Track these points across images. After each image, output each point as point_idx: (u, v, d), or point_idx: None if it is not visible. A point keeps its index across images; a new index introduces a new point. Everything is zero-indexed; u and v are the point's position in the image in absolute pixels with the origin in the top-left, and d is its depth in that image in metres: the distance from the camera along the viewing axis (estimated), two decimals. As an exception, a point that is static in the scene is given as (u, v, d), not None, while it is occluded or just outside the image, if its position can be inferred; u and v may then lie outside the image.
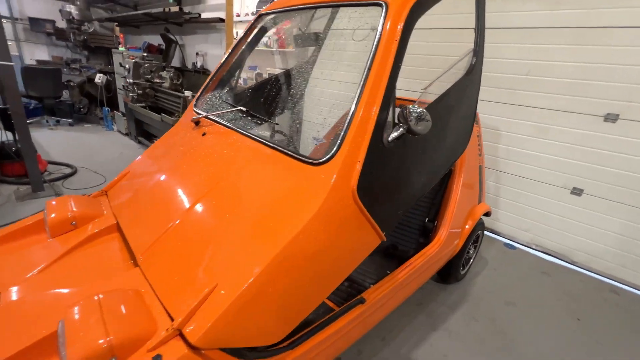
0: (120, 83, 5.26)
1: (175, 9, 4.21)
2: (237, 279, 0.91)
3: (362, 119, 1.05)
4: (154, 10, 4.47)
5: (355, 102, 1.07)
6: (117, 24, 6.39)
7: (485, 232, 3.37)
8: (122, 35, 4.90)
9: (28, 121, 5.57)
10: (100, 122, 6.10)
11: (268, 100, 1.61)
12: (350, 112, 1.06)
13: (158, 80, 4.62)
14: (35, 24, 5.95)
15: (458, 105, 1.47)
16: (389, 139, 1.13)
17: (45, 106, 5.46)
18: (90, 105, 6.15)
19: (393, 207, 1.22)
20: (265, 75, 4.79)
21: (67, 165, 3.88)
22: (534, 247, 3.11)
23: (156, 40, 5.57)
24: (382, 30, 1.13)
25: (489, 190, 3.30)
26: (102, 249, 1.27)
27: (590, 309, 2.33)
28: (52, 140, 4.93)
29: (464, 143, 1.65)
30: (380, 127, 1.09)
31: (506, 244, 3.18)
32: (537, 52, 2.78)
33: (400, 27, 1.14)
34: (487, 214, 2.43)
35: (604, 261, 2.75)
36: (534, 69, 2.81)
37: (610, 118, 2.53)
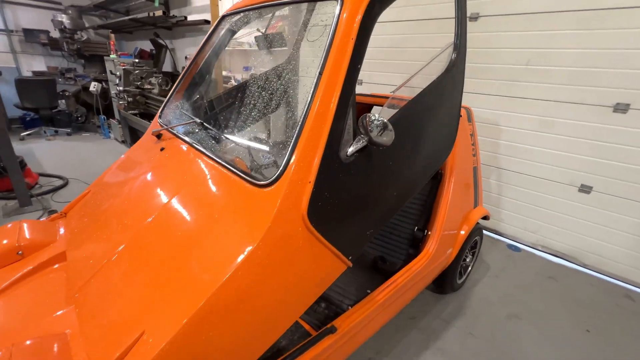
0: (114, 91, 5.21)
1: (159, 13, 4.12)
2: (166, 325, 0.79)
3: (312, 132, 0.91)
4: (140, 16, 4.39)
5: (304, 111, 0.93)
6: (111, 30, 6.35)
7: (488, 233, 3.18)
8: (112, 42, 4.86)
9: (27, 132, 5.63)
10: (98, 131, 6.09)
11: (233, 108, 1.49)
12: (299, 124, 0.92)
13: (148, 87, 4.55)
14: (29, 35, 5.96)
15: (437, 106, 1.31)
16: (348, 152, 0.98)
17: (41, 117, 5.47)
18: (87, 114, 6.15)
19: (358, 228, 1.08)
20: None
21: (58, 177, 3.85)
22: (540, 248, 2.91)
23: (148, 45, 5.50)
24: (335, 26, 0.98)
25: (489, 189, 3.10)
26: (46, 283, 1.17)
27: (601, 319, 2.13)
28: (47, 151, 4.93)
29: (447, 147, 1.49)
30: (336, 139, 0.94)
31: (510, 246, 2.99)
32: (537, 39, 2.56)
33: (357, 22, 0.98)
34: (486, 218, 2.26)
35: (617, 263, 2.53)
36: (535, 58, 2.60)
37: (620, 108, 2.30)
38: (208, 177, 1.11)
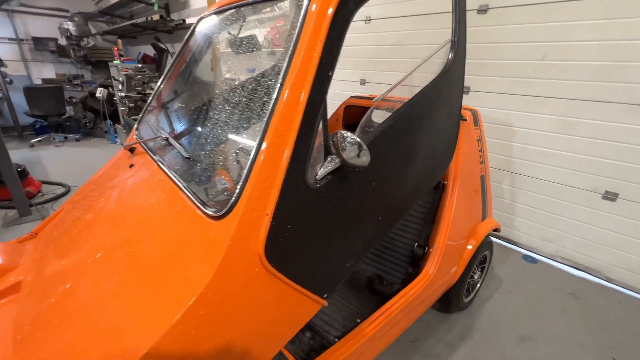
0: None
1: (156, 17, 4.07)
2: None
3: (270, 154, 0.76)
4: (139, 20, 4.36)
5: (262, 129, 0.78)
6: (117, 36, 6.40)
7: (501, 242, 2.95)
8: (116, 49, 4.86)
9: (37, 139, 5.73)
10: (105, 136, 6.15)
11: (198, 122, 1.34)
12: (255, 145, 0.78)
13: (150, 92, 4.51)
14: (38, 43, 6.07)
15: (432, 113, 1.14)
16: (317, 176, 0.83)
17: (50, 124, 5.55)
18: (95, 120, 6.22)
19: (334, 262, 0.93)
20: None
21: (60, 184, 3.86)
22: (558, 260, 2.67)
23: (152, 50, 5.49)
24: (301, 27, 0.83)
25: (501, 195, 2.87)
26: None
27: (630, 343, 1.90)
28: (55, 158, 4.99)
29: (446, 159, 1.31)
30: (301, 161, 0.79)
31: (525, 257, 2.76)
32: (554, 31, 2.32)
33: (327, 21, 0.83)
34: (496, 230, 2.05)
35: (648, 279, 2.28)
36: (551, 51, 2.36)
37: (651, 106, 2.05)
38: (166, 202, 0.98)
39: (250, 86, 1.04)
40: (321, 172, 0.83)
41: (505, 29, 2.53)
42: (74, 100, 5.59)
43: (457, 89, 1.21)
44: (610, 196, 2.31)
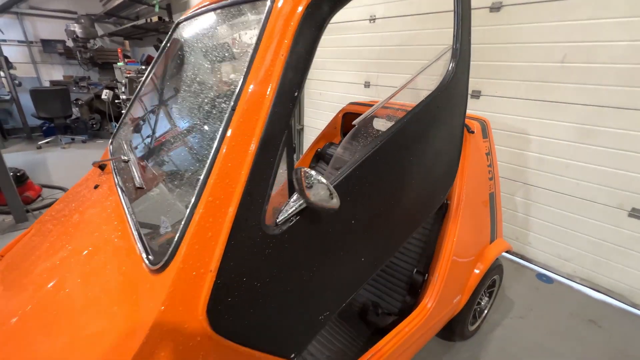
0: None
1: (155, 19, 4.00)
2: None
3: (216, 193, 0.62)
4: (139, 22, 4.30)
5: (208, 163, 0.64)
6: (124, 37, 6.40)
7: (514, 258, 2.74)
8: (120, 50, 4.83)
9: (44, 141, 5.78)
10: (111, 137, 6.16)
11: (168, 140, 1.19)
12: (198, 184, 0.64)
13: (152, 94, 4.45)
14: (47, 45, 6.12)
15: (427, 136, 0.97)
16: (278, 219, 0.68)
17: (56, 126, 5.59)
18: (102, 121, 6.24)
19: (302, 317, 0.78)
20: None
21: (60, 188, 3.84)
22: (577, 280, 2.44)
23: (155, 52, 5.45)
24: (259, 37, 0.68)
25: (514, 208, 2.66)
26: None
27: (659, 385, 1.68)
28: (60, 160, 5.01)
29: (445, 184, 1.14)
30: (256, 202, 0.65)
31: (540, 275, 2.54)
32: (576, 30, 2.10)
33: (291, 31, 0.68)
34: (507, 252, 1.86)
35: (681, 308, 2.04)
36: (572, 53, 2.13)
37: (688, 116, 1.81)
38: (113, 239, 0.85)
39: (206, 107, 0.90)
40: (284, 214, 0.68)
41: (521, 29, 2.32)
42: (79, 102, 5.61)
43: (460, 103, 1.04)
44: (638, 214, 2.07)
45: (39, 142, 5.57)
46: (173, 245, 0.62)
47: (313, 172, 0.62)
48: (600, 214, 2.22)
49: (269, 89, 0.66)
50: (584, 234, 2.33)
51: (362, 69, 3.58)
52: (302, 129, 4.72)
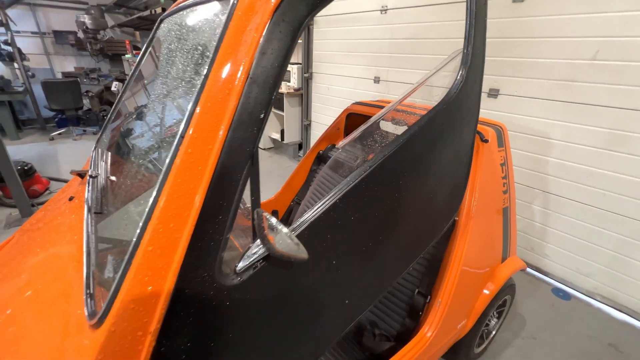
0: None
1: (159, 10, 3.90)
2: None
3: (157, 239, 0.51)
4: (144, 13, 4.22)
5: (151, 201, 0.53)
6: (134, 28, 6.35)
7: (530, 271, 2.56)
8: (128, 42, 4.77)
9: (57, 132, 5.86)
10: (121, 129, 6.19)
11: (130, 160, 1.07)
12: (140, 226, 0.53)
13: (158, 87, 4.40)
14: (59, 36, 6.15)
15: (426, 161, 0.82)
16: (238, 267, 0.57)
17: (68, 117, 5.64)
18: (112, 113, 6.27)
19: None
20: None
21: (67, 181, 3.86)
22: (598, 298, 2.25)
23: (164, 42, 5.38)
24: (219, 41, 0.56)
25: (531, 217, 2.47)
26: None
27: None
28: (70, 152, 5.07)
29: (448, 213, 0.99)
30: (209, 248, 0.54)
31: (557, 291, 2.36)
32: (610, 23, 1.86)
33: (257, 36, 0.55)
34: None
35: None
36: (606, 49, 1.90)
37: None
38: (66, 271, 0.76)
39: (165, 123, 0.79)
40: (245, 261, 0.57)
41: (548, 21, 2.09)
42: (90, 94, 5.63)
43: (469, 117, 0.89)
44: (673, 231, 1.86)
45: (52, 134, 5.65)
46: (107, 301, 0.52)
47: (274, 220, 0.50)
48: (629, 228, 2.02)
49: (227, 109, 0.54)
50: (608, 249, 2.13)
51: (371, 63, 3.39)
52: (309, 125, 4.58)
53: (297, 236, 0.58)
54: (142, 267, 0.50)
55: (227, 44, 0.55)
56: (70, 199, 1.14)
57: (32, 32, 6.10)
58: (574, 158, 2.16)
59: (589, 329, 2.03)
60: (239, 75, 0.54)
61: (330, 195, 0.65)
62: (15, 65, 5.58)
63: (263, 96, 0.56)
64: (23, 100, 5.83)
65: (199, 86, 0.55)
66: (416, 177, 0.79)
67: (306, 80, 4.32)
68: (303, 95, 4.45)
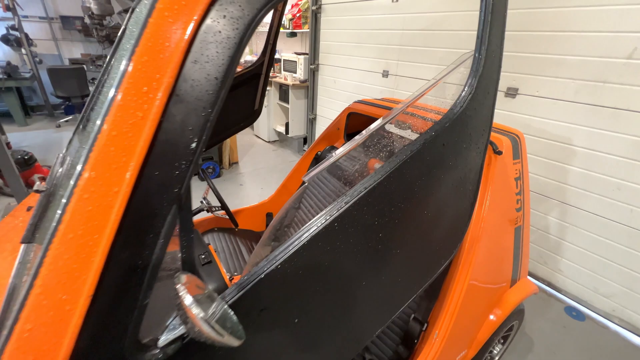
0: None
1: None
2: None
3: (38, 309, 0.39)
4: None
5: (39, 258, 0.41)
6: (141, 14, 6.21)
7: (541, 284, 2.38)
8: (132, 28, 4.66)
9: (64, 119, 5.86)
10: (127, 118, 6.15)
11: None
12: (24, 290, 0.40)
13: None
14: (66, 22, 6.08)
15: (421, 193, 0.67)
16: (160, 341, 0.44)
17: (74, 104, 5.62)
18: (119, 101, 6.22)
19: None
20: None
21: (68, 173, 3.83)
22: (616, 321, 2.07)
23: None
24: (132, 51, 0.42)
25: (546, 229, 2.28)
26: None
27: None
28: (76, 141, 5.05)
29: (448, 248, 0.82)
30: (113, 320, 0.41)
31: (570, 309, 2.19)
32: (653, 16, 1.62)
33: (186, 41, 0.41)
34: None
35: None
36: (645, 46, 1.67)
37: None
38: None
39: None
40: (170, 332, 0.44)
41: (575, 13, 1.85)
42: (95, 81, 5.58)
43: (479, 136, 0.72)
44: None
45: (59, 121, 5.65)
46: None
47: (189, 300, 0.37)
48: (657, 249, 1.82)
49: (139, 138, 0.40)
50: (632, 270, 1.94)
51: (380, 56, 3.18)
52: (314, 119, 4.41)
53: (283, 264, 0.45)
54: (19, 350, 0.38)
55: (143, 50, 0.40)
56: (28, 209, 1.04)
57: (40, 17, 6.05)
58: (600, 168, 1.94)
59: (604, 354, 1.86)
60: (159, 94, 0.40)
61: (309, 225, 0.51)
62: (23, 50, 5.55)
63: (195, 119, 0.42)
64: (31, 86, 5.83)
65: (104, 107, 0.41)
66: (407, 210, 0.64)
67: (312, 72, 4.13)
68: (309, 87, 4.27)
